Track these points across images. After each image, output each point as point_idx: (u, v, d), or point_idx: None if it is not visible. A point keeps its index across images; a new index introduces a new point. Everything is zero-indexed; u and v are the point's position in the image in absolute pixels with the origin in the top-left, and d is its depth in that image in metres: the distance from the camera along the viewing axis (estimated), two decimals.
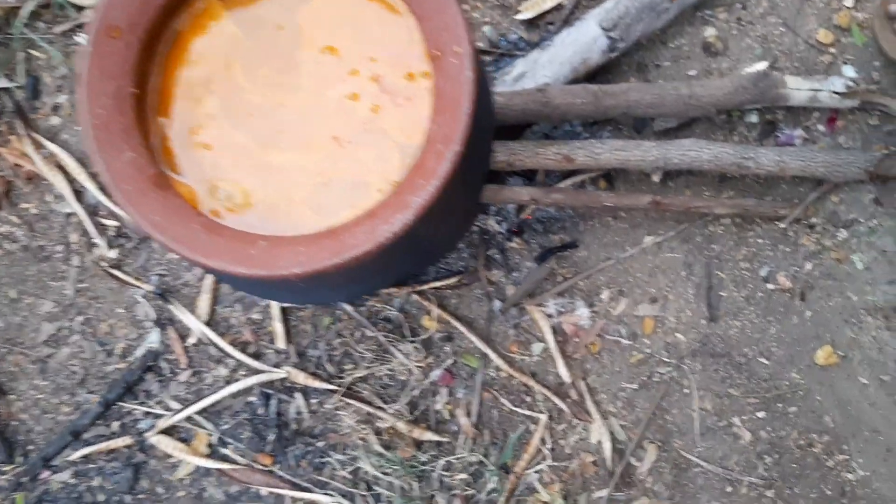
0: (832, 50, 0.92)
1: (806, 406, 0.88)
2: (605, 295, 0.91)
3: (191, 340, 0.91)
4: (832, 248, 0.90)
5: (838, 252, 0.90)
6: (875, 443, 0.86)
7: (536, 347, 0.90)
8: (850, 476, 0.87)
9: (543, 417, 0.88)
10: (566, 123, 0.91)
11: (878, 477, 0.85)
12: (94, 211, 0.94)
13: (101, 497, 0.89)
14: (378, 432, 0.88)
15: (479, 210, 0.89)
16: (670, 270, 0.91)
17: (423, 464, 0.87)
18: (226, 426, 0.90)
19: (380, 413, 0.88)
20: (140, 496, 0.89)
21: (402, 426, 0.87)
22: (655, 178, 0.90)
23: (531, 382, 0.89)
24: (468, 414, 0.89)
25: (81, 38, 0.79)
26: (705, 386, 0.89)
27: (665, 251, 0.91)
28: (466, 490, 0.87)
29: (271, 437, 0.89)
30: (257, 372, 0.90)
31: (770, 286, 0.90)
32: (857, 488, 0.86)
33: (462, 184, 0.68)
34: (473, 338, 0.89)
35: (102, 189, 0.93)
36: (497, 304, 0.91)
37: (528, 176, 0.91)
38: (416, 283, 0.90)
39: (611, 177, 0.92)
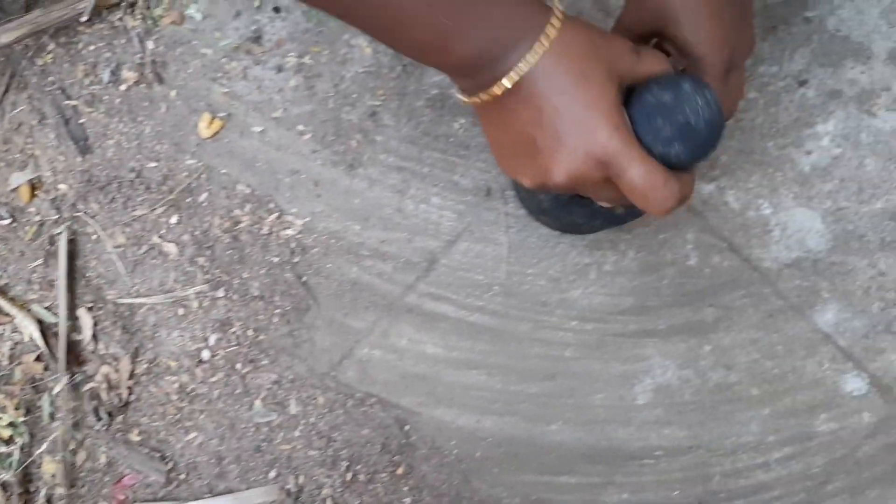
0: None
1: (215, 186, 0.77)
2: None
3: None
4: (162, 14, 0.78)
5: (170, 15, 0.78)
6: (300, 184, 0.76)
7: None
8: (290, 231, 0.76)
9: None
10: None
11: (318, 216, 0.75)
12: None
13: None
14: None
15: None
16: (24, 127, 0.79)
17: None
18: None
19: None
20: None
21: None
22: None
23: None
24: None
25: None
26: (110, 221, 0.78)
27: (14, 111, 0.79)
28: None
29: None
30: None
31: (122, 87, 0.79)
32: (304, 239, 0.76)
33: None
34: None
35: None
36: None
37: None
38: None
39: None
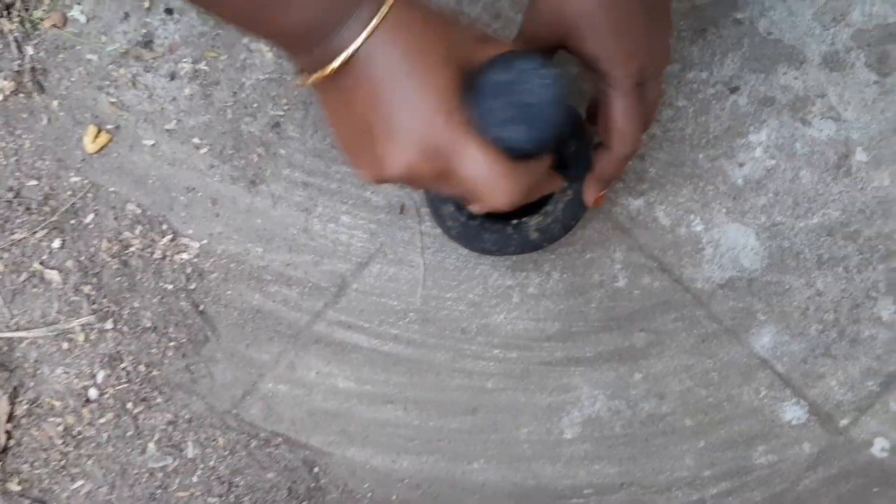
0: None
1: (103, 206, 0.70)
2: None
3: None
4: (43, 17, 0.71)
5: (51, 17, 0.71)
6: (196, 202, 0.69)
7: None
8: (185, 255, 0.69)
9: None
10: None
11: (216, 238, 0.68)
12: None
13: None
14: None
15: None
16: None
17: None
18: None
19: None
20: None
21: None
22: None
23: None
24: None
25: None
26: None
27: None
28: None
29: None
30: None
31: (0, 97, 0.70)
32: (201, 263, 0.68)
33: None
34: None
35: None
36: None
37: None
38: None
39: None
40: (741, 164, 0.65)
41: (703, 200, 0.65)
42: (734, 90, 0.65)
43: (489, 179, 0.41)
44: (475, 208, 0.45)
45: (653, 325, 0.65)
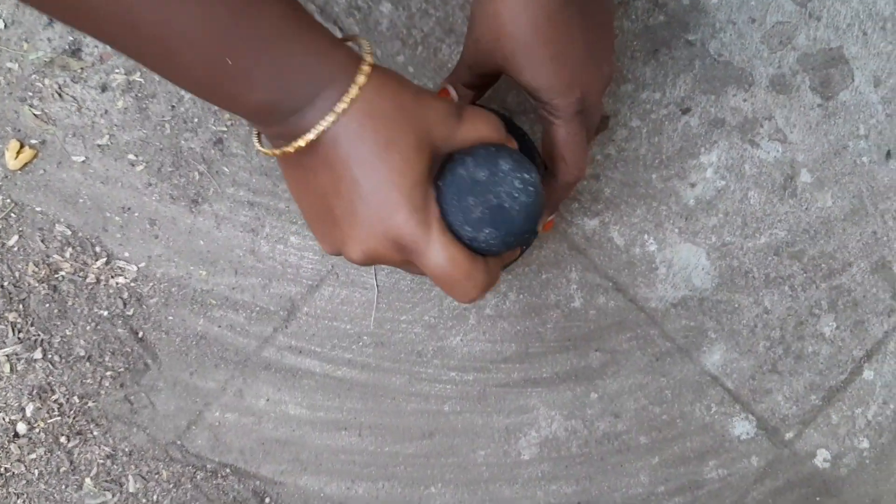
0: None
1: (28, 227, 0.65)
2: None
3: None
4: None
5: None
6: (133, 223, 0.65)
7: None
8: (122, 280, 0.64)
9: None
10: None
11: (155, 261, 0.64)
12: None
13: None
14: None
15: None
16: None
17: None
18: None
19: None
20: None
21: None
22: None
23: None
24: None
25: None
26: None
27: None
28: None
29: None
30: None
31: None
32: (139, 287, 0.64)
33: None
34: None
35: None
36: None
37: None
38: None
39: None
40: (693, 185, 0.66)
41: (656, 220, 0.65)
42: (686, 111, 0.66)
43: (452, 278, 0.40)
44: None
45: (608, 344, 0.65)
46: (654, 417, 0.65)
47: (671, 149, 0.65)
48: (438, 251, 0.38)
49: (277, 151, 0.39)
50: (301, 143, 0.37)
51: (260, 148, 0.41)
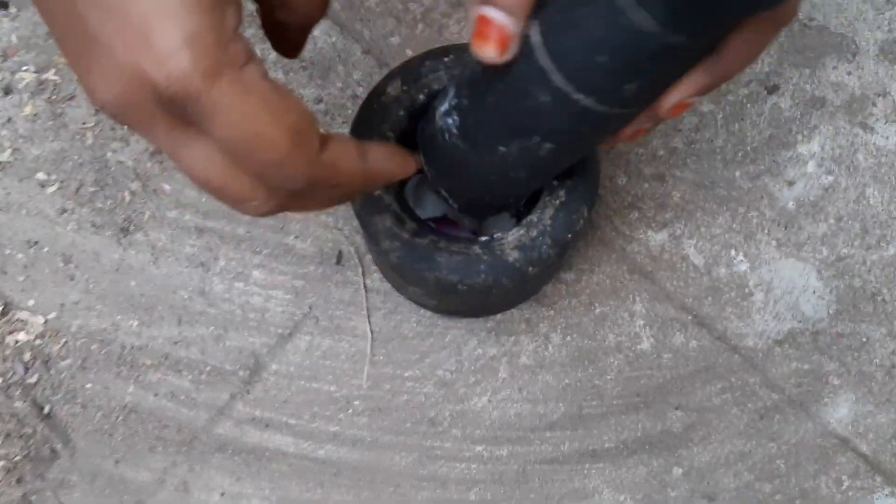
0: None
1: None
2: None
3: None
4: None
5: None
6: (41, 261, 0.50)
7: None
8: (23, 336, 0.48)
9: None
10: None
11: (70, 310, 0.47)
12: None
13: None
14: None
15: None
16: None
17: None
18: None
19: None
20: None
21: None
22: None
23: None
24: None
25: None
26: None
27: None
28: None
29: None
30: None
31: None
32: (47, 346, 0.47)
33: None
34: None
35: None
36: None
37: None
38: None
39: None
40: (791, 183, 0.50)
41: (745, 231, 0.49)
42: (773, 90, 0.51)
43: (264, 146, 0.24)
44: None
45: (692, 400, 0.47)
46: (765, 499, 0.47)
47: (758, 138, 0.50)
48: (240, 104, 0.23)
49: None
50: None
51: None
